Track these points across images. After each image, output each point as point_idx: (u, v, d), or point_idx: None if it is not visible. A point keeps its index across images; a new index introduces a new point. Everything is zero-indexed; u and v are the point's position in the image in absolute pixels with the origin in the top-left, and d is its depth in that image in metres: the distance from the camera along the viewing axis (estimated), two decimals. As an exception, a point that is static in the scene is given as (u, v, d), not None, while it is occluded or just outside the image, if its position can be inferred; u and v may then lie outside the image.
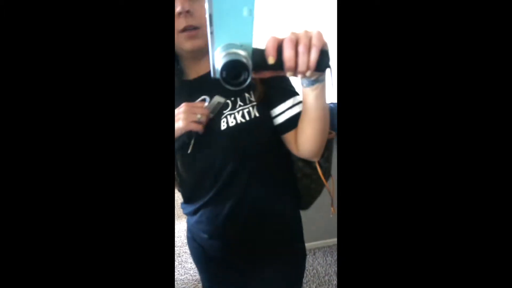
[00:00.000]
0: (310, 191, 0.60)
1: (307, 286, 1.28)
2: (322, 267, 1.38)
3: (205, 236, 0.58)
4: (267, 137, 0.52)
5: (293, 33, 0.33)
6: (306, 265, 1.37)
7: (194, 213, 0.58)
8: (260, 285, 0.60)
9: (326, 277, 1.31)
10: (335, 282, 1.24)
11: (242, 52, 0.30)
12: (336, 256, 1.35)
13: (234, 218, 0.54)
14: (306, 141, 0.48)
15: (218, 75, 0.31)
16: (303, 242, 0.65)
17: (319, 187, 0.60)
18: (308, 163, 0.56)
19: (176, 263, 1.68)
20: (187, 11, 0.46)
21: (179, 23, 0.46)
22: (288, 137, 0.52)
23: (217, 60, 0.31)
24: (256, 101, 0.51)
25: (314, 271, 1.37)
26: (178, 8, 0.45)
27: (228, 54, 0.30)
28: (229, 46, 0.30)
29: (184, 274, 1.57)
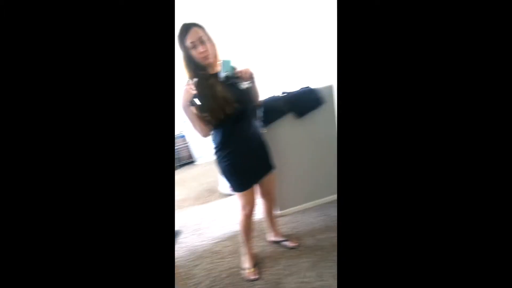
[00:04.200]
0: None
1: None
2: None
3: (233, 149, 1.20)
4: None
5: (248, 68, 1.14)
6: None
7: (223, 143, 1.21)
8: (259, 165, 1.32)
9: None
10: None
11: (228, 73, 1.10)
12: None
13: (247, 134, 1.23)
14: (254, 97, 1.25)
15: (222, 77, 1.11)
16: (263, 136, 1.33)
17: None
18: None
19: (196, 236, 2.03)
20: (203, 48, 1.10)
21: (199, 52, 1.10)
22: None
23: (221, 75, 1.10)
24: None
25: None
26: (199, 49, 1.10)
27: (225, 73, 1.10)
28: (225, 72, 1.10)
29: (201, 242, 1.91)
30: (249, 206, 1.33)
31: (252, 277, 1.39)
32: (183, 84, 1.08)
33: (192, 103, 1.10)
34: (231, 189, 1.31)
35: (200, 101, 1.10)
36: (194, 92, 1.06)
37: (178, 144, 4.58)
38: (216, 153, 1.24)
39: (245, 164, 1.23)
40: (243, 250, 1.48)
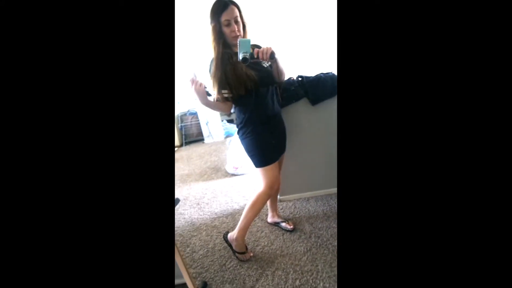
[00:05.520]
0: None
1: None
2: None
3: (257, 125, 1.23)
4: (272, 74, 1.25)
5: (265, 47, 1.07)
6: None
7: (247, 119, 1.24)
8: (279, 144, 1.35)
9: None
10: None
11: (246, 54, 1.04)
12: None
13: (269, 112, 1.26)
14: (277, 76, 1.23)
15: (240, 59, 1.06)
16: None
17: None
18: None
19: (196, 209, 2.08)
20: (236, 27, 1.13)
21: (231, 30, 1.13)
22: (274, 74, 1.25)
23: (239, 56, 1.05)
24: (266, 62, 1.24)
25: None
26: (232, 27, 1.13)
27: (242, 54, 1.04)
28: (242, 53, 1.04)
29: (201, 215, 1.95)
30: (277, 184, 1.34)
31: (247, 258, 1.39)
32: (189, 84, 1.14)
33: (208, 94, 1.17)
34: (255, 165, 1.29)
35: (221, 77, 1.15)
36: (205, 85, 1.13)
37: (188, 120, 4.61)
38: (240, 129, 1.27)
39: (268, 140, 1.26)
40: (244, 226, 1.35)
